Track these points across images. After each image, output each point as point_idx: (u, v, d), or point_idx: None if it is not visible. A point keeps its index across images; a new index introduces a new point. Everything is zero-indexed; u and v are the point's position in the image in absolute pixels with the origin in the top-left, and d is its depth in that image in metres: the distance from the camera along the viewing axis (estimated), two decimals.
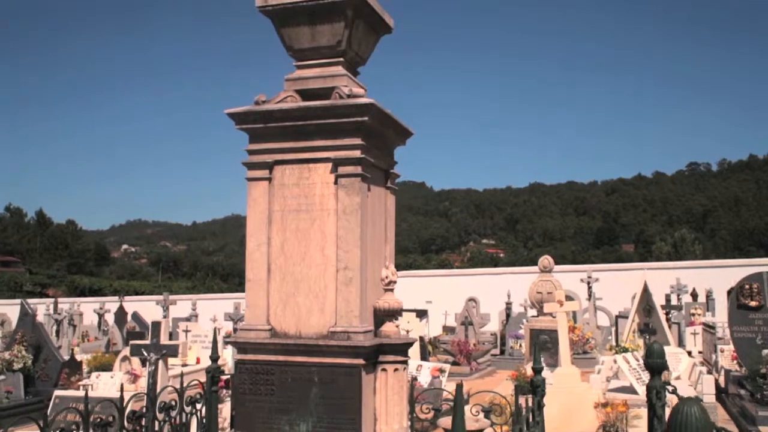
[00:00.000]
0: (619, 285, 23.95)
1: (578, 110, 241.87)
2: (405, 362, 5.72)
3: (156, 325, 8.55)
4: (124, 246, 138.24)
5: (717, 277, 24.44)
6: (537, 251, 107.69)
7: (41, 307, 25.54)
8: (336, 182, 5.53)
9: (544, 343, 14.81)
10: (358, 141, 5.48)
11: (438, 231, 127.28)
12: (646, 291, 13.12)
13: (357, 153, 5.47)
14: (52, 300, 27.50)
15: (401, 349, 5.64)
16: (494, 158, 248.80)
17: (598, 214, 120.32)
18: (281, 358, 5.53)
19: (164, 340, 8.46)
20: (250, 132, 5.77)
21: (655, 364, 5.79)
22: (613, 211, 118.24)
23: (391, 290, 5.78)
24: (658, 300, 16.30)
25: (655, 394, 5.67)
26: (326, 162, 5.57)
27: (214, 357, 7.08)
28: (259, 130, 5.71)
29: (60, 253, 76.89)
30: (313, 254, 5.58)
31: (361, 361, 5.33)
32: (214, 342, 7.17)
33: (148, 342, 8.38)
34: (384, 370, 5.57)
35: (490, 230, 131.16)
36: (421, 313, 20.25)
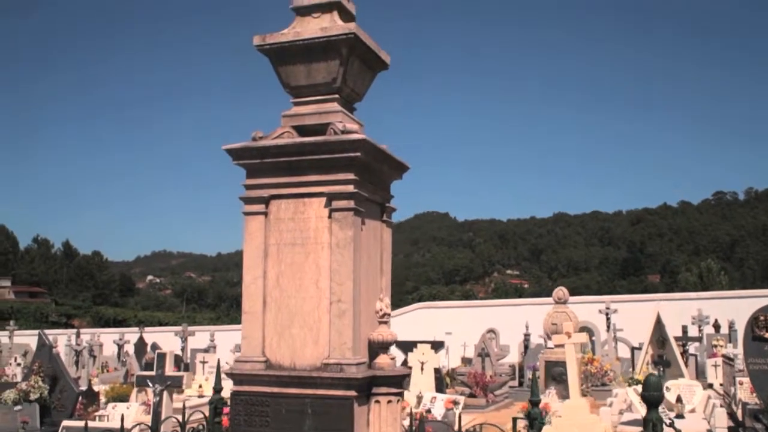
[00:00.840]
0: (640, 316, 23.65)
1: (602, 139, 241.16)
2: (399, 394, 5.77)
3: (161, 356, 8.67)
4: (149, 277, 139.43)
5: (740, 308, 24.06)
6: (561, 282, 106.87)
7: (63, 338, 25.84)
8: (330, 216, 5.65)
9: (559, 375, 14.73)
10: (351, 176, 5.60)
11: (462, 262, 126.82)
12: (659, 322, 13.01)
13: (350, 188, 5.59)
14: (75, 331, 27.82)
15: (395, 381, 5.70)
16: (518, 188, 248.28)
17: (623, 244, 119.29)
18: (276, 389, 5.61)
19: (169, 371, 8.57)
20: (246, 167, 5.92)
21: (652, 397, 5.78)
22: (639, 241, 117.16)
23: (386, 323, 5.84)
24: (675, 331, 16.12)
25: (651, 427, 5.66)
26: (320, 197, 5.70)
27: (217, 388, 7.16)
28: (256, 166, 5.86)
29: (85, 284, 77.80)
30: (308, 287, 5.68)
31: (353, 393, 5.39)
32: (218, 373, 7.25)
33: (153, 373, 8.51)
34: (377, 401, 5.62)
35: (514, 261, 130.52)
36: (437, 345, 20.18)
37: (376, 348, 5.76)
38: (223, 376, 6.79)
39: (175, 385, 8.64)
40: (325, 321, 5.59)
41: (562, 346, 12.46)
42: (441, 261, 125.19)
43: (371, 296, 5.93)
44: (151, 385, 8.48)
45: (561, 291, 15.41)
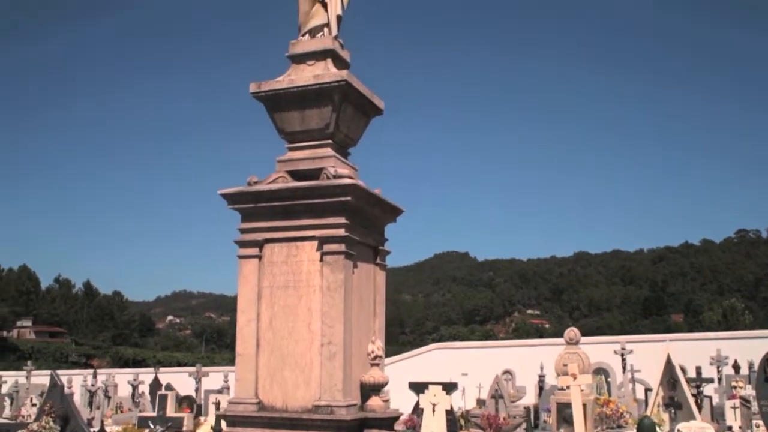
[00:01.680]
0: (659, 356, 23.36)
1: (622, 178, 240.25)
2: None
3: (162, 397, 8.75)
4: (169, 317, 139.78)
5: (762, 348, 23.69)
6: (583, 322, 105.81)
7: (79, 379, 25.94)
8: (321, 260, 5.75)
9: (569, 417, 14.55)
10: (342, 220, 5.70)
11: (482, 301, 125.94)
12: (669, 363, 12.87)
13: (341, 231, 5.69)
14: (91, 371, 27.94)
15: (386, 423, 5.72)
16: (538, 227, 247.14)
17: (645, 283, 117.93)
18: (267, 431, 5.65)
19: (170, 412, 8.63)
20: (241, 212, 6.05)
21: None
22: (661, 280, 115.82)
23: (377, 365, 5.89)
24: (690, 372, 15.90)
25: None
26: (312, 240, 5.80)
27: (217, 429, 7.21)
28: (250, 210, 5.99)
29: (106, 324, 78.14)
30: (300, 329, 5.76)
31: None
32: (217, 415, 7.31)
33: (154, 414, 8.57)
34: None
35: (534, 300, 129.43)
36: (450, 386, 20.03)
37: (368, 390, 5.79)
38: None
39: (175, 427, 8.68)
40: (316, 363, 5.65)
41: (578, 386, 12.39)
42: (461, 301, 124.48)
43: (364, 338, 5.99)
44: (152, 426, 8.53)
45: (572, 332, 15.32)
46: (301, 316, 5.77)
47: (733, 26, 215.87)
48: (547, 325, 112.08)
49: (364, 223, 6.08)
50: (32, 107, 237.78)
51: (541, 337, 73.95)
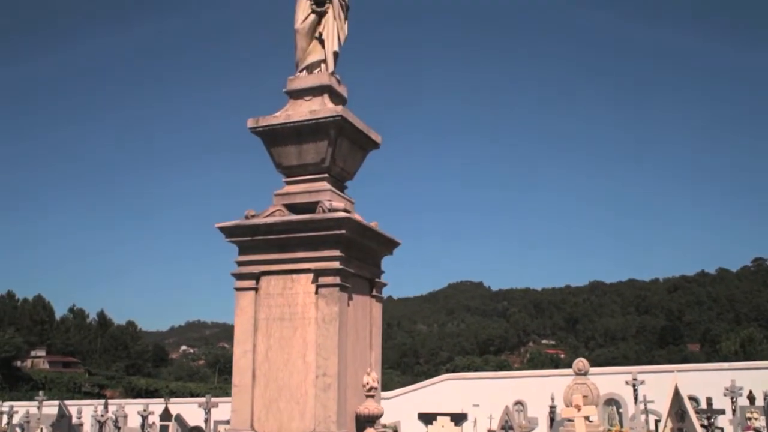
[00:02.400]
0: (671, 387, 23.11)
1: (636, 206, 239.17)
2: None
3: (164, 428, 8.79)
4: (183, 347, 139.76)
5: None
6: (598, 352, 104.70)
7: (90, 409, 25.98)
8: (317, 292, 5.82)
9: None
10: (336, 253, 5.79)
11: (496, 331, 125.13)
12: (677, 394, 12.73)
13: (336, 264, 5.77)
14: (102, 401, 27.98)
15: None
16: (552, 257, 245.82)
17: (660, 312, 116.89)
18: None
19: None
20: (238, 245, 6.15)
21: None
22: (677, 309, 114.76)
23: (372, 396, 5.92)
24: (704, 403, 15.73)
25: None
26: (308, 273, 5.88)
27: None
28: (247, 243, 6.09)
29: (119, 354, 78.25)
30: (295, 361, 5.81)
31: None
32: None
33: None
34: None
35: (549, 330, 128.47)
36: (459, 418, 19.92)
37: (363, 421, 5.83)
38: None
39: None
40: (311, 394, 5.70)
41: (586, 418, 12.32)
42: (475, 331, 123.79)
43: (359, 370, 6.03)
44: None
45: (581, 362, 15.21)
46: (296, 347, 5.83)
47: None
48: (562, 355, 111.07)
49: (359, 255, 6.16)
50: (43, 133, 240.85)
51: (556, 367, 73.34)
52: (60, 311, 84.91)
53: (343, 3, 6.56)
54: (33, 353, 67.82)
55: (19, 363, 62.60)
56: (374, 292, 6.48)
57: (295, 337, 5.85)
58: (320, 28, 6.50)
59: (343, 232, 5.74)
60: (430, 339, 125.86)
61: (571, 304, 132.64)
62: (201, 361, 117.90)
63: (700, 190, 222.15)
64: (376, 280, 6.52)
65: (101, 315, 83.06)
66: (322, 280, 5.79)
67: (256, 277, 6.04)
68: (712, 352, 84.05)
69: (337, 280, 5.75)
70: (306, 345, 5.80)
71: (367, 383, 5.94)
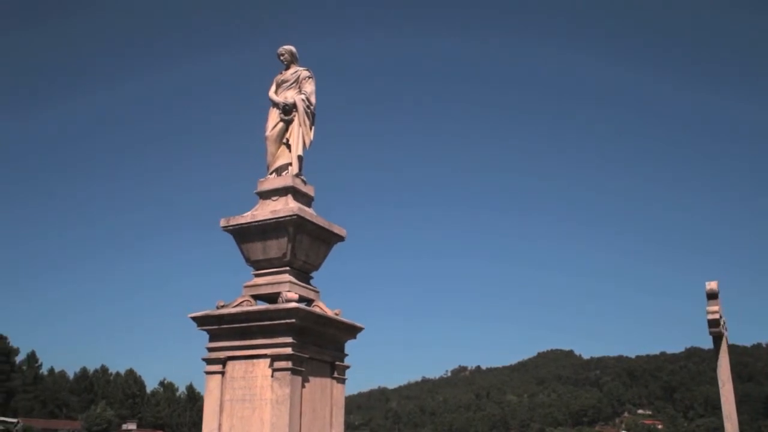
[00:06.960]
0: None
1: (734, 266, 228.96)
2: None
3: None
4: None
5: None
6: (699, 422, 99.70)
7: None
8: (272, 375, 6.42)
9: None
10: (288, 339, 6.40)
11: (589, 401, 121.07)
12: None
13: (288, 350, 6.38)
14: None
15: None
16: (646, 322, 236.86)
17: (765, 379, 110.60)
18: None
19: None
20: (208, 332, 6.86)
21: None
22: None
23: None
24: None
25: None
26: (265, 358, 6.52)
27: None
28: (215, 331, 6.79)
29: None
30: None
31: None
32: None
33: None
34: None
35: (645, 399, 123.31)
36: None
37: None
38: None
39: None
40: None
41: None
42: (567, 401, 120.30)
43: None
44: None
45: None
46: (255, 426, 6.41)
47: None
48: (660, 426, 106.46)
49: (317, 341, 6.75)
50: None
51: None
52: (150, 385, 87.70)
53: (309, 111, 7.33)
54: (124, 426, 70.15)
55: None
56: (335, 374, 7.01)
57: (254, 417, 6.44)
58: (287, 135, 7.28)
59: (293, 321, 6.36)
60: (520, 410, 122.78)
61: (668, 371, 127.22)
62: None
63: None
64: (338, 363, 7.06)
65: (190, 388, 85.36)
66: (277, 364, 6.40)
67: (223, 362, 6.70)
68: None
69: (288, 364, 6.34)
70: (263, 424, 6.37)
71: None
